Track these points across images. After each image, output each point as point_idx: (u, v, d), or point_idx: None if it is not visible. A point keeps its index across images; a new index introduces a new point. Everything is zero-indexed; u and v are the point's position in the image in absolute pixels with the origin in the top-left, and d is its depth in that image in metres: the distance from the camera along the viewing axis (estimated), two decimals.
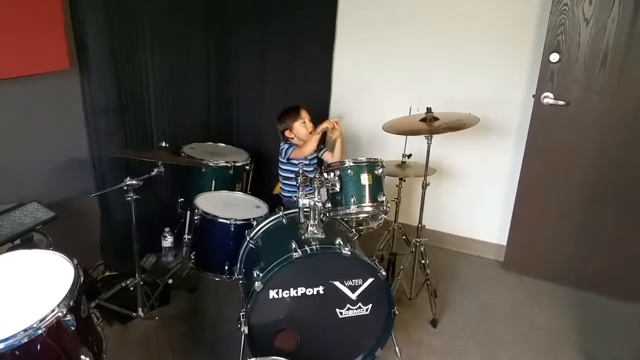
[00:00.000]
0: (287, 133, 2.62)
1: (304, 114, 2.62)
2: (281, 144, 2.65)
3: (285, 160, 2.62)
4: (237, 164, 2.78)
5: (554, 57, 2.57)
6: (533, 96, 2.68)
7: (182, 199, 2.79)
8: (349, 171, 2.02)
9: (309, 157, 2.63)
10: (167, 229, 2.82)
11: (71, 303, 1.31)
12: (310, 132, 2.56)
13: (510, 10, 2.75)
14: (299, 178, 1.96)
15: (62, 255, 1.48)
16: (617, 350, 2.34)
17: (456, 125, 2.24)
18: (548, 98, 2.64)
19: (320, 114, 3.02)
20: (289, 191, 2.67)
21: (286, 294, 1.83)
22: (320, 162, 2.70)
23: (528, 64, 2.78)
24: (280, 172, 2.68)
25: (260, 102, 3.35)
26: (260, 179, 3.12)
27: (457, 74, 2.95)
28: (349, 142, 3.32)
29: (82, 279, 1.38)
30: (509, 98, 2.87)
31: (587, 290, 2.78)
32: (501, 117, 2.92)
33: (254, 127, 3.43)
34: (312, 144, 2.50)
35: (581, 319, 2.56)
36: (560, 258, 2.85)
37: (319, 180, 1.98)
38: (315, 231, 1.93)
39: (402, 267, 2.49)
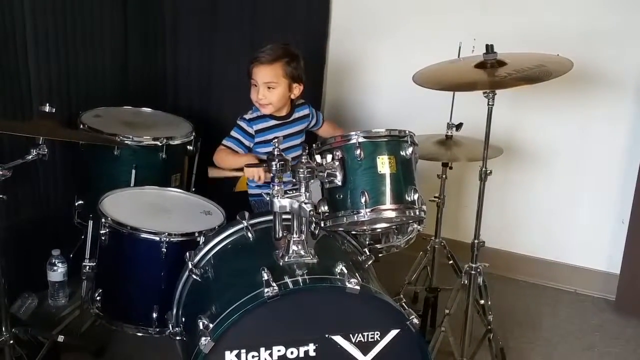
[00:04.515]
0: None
1: (263, 70, 2.52)
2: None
3: (251, 131, 2.62)
4: (174, 142, 2.79)
5: None
6: None
7: (80, 201, 2.78)
8: (358, 151, 2.02)
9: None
10: (55, 252, 2.79)
11: None
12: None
13: None
14: (274, 163, 1.93)
15: None
16: None
17: (535, 75, 2.23)
18: None
19: (311, 57, 2.98)
20: (258, 186, 2.67)
21: (254, 357, 1.82)
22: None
23: None
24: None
25: (210, 39, 3.34)
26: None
27: None
28: (355, 105, 3.33)
29: None
30: (622, 30, 2.87)
31: None
32: (611, 61, 2.91)
33: (202, 80, 3.41)
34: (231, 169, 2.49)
35: None
36: None
37: (307, 167, 1.95)
38: (302, 252, 1.92)
39: (447, 311, 2.49)
